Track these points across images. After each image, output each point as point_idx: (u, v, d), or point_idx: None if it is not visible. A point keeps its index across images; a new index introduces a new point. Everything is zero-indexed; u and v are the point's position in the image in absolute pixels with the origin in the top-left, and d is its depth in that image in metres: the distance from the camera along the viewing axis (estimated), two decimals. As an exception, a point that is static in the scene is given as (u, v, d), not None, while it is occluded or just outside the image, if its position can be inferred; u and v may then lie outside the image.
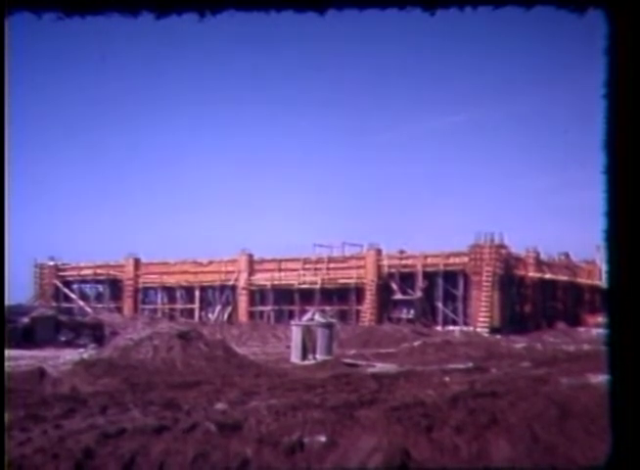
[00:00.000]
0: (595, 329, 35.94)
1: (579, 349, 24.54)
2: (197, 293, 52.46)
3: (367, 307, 46.36)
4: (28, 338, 27.76)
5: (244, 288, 50.24)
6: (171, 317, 49.17)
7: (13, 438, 6.89)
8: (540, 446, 6.83)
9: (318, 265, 48.68)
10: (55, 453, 6.28)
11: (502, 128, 79.92)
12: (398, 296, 46.43)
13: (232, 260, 51.18)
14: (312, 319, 23.43)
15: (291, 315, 43.34)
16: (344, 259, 48.91)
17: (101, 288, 56.06)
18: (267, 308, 49.51)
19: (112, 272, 54.63)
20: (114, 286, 54.69)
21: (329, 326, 22.63)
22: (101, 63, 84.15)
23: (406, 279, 46.54)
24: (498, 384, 12.11)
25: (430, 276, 45.85)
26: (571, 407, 8.41)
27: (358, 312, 46.78)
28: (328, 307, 42.85)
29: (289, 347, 22.90)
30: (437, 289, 45.83)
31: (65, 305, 49.82)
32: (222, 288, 51.68)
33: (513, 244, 46.00)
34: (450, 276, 45.63)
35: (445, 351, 23.71)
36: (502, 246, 44.71)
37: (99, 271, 54.92)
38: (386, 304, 46.57)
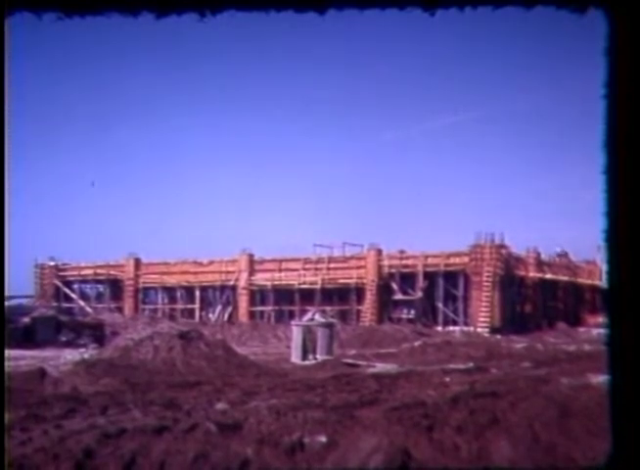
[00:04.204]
0: (595, 329, 35.93)
1: (580, 349, 24.52)
2: (197, 293, 52.45)
3: (367, 308, 46.34)
4: (29, 338, 27.78)
5: (244, 288, 50.23)
6: (172, 317, 49.15)
7: (13, 437, 6.89)
8: (541, 446, 6.83)
9: (318, 265, 48.66)
10: (55, 453, 6.28)
11: (502, 128, 79.93)
12: (399, 296, 46.41)
13: (232, 260, 51.17)
14: (313, 319, 23.46)
15: (291, 315, 43.34)
16: (345, 260, 48.89)
17: (101, 288, 56.04)
18: (268, 308, 49.51)
19: (112, 272, 54.62)
20: (115, 286, 54.68)
21: (329, 326, 22.65)
22: (103, 62, 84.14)
23: (407, 279, 46.52)
24: (499, 384, 12.11)
25: (430, 276, 45.83)
26: (571, 407, 8.41)
27: (359, 312, 46.76)
28: (328, 308, 42.83)
29: (289, 347, 22.92)
30: (438, 289, 45.79)
31: (65, 305, 49.80)
32: (223, 288, 51.67)
33: (513, 244, 46.05)
34: (451, 276, 45.60)
35: (446, 351, 23.70)
36: (503, 246, 44.67)
37: (99, 271, 54.92)
38: (386, 304, 46.55)
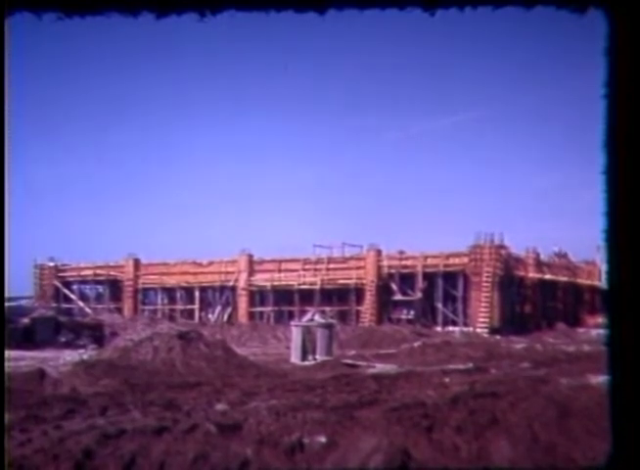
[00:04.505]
0: (595, 329, 35.92)
1: (579, 349, 24.52)
2: (197, 293, 52.43)
3: (367, 308, 46.34)
4: (29, 339, 27.77)
5: (244, 289, 50.22)
6: (171, 318, 49.15)
7: (13, 438, 6.88)
8: (541, 446, 6.83)
9: (318, 266, 48.65)
10: (55, 454, 6.28)
11: (502, 128, 79.96)
12: (398, 296, 46.40)
13: (232, 261, 51.15)
14: (312, 320, 23.46)
15: (290, 316, 43.30)
16: (344, 260, 48.88)
17: (101, 289, 56.01)
18: (267, 309, 49.49)
19: (111, 273, 54.61)
20: (114, 287, 54.66)
21: (329, 327, 22.65)
22: (103, 62, 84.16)
23: (406, 280, 46.52)
24: (498, 384, 12.10)
25: (429, 277, 45.82)
26: (571, 407, 8.41)
27: (358, 313, 46.75)
28: (328, 308, 42.84)
29: (289, 347, 22.91)
30: (437, 289, 45.79)
31: (65, 305, 49.72)
32: (222, 289, 51.66)
33: (513, 244, 46.06)
34: (450, 277, 45.59)
35: (445, 351, 23.69)
36: (502, 246, 44.67)
37: (99, 272, 54.89)
38: (385, 304, 46.54)
